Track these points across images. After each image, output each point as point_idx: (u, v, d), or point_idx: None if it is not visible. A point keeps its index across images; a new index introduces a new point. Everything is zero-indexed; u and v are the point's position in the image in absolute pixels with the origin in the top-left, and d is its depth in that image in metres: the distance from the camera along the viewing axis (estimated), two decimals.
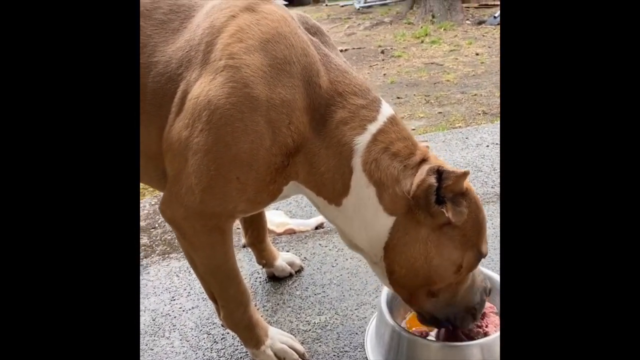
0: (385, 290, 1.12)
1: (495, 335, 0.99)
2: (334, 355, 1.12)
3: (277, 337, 1.10)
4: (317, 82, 0.90)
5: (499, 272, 1.10)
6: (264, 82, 0.87)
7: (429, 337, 1.06)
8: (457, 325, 0.98)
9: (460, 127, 2.70)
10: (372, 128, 0.91)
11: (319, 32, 0.99)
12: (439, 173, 0.85)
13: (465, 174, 0.85)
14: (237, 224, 1.53)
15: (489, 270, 1.14)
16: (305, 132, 0.90)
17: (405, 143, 0.92)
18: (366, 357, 1.11)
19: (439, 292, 0.94)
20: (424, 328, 1.09)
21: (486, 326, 1.03)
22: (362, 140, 0.90)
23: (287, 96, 0.88)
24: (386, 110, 0.93)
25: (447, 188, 0.86)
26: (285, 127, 0.89)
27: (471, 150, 2.20)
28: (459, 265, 0.90)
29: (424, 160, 0.91)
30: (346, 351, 1.13)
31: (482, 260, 0.95)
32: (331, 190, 0.93)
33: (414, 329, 1.09)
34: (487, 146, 2.22)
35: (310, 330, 1.20)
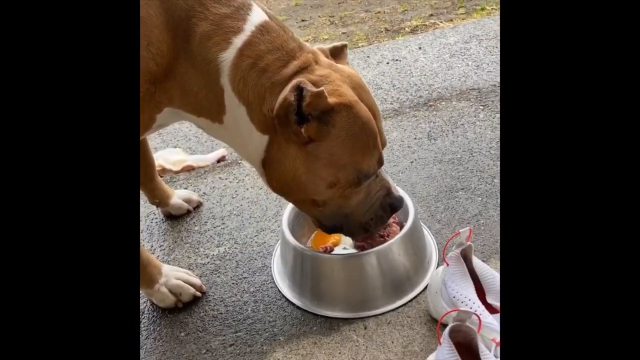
0: (287, 212, 1.11)
1: (387, 243, 1.02)
2: (233, 283, 1.12)
3: (171, 273, 1.07)
4: None
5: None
6: None
7: (332, 253, 1.09)
8: (345, 234, 1.00)
9: (363, 46, 2.66)
10: (238, 41, 0.83)
11: None
12: (300, 90, 0.80)
13: (319, 93, 0.80)
14: None
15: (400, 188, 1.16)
16: (169, 52, 0.82)
17: (277, 54, 0.85)
18: (264, 279, 1.12)
19: (324, 204, 0.93)
20: (327, 244, 1.11)
21: (387, 236, 1.07)
22: (227, 57, 0.83)
23: (140, 14, 0.79)
24: (256, 16, 0.85)
25: (308, 106, 0.81)
26: (145, 49, 0.80)
27: (372, 69, 2.19)
28: (331, 183, 0.89)
29: (300, 71, 0.85)
30: (245, 277, 1.13)
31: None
32: (209, 109, 0.88)
33: (319, 247, 1.11)
34: (387, 63, 2.22)
35: (208, 262, 1.18)
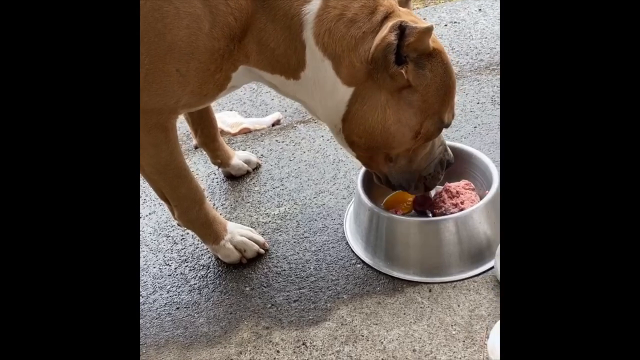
0: (361, 174, 1.11)
1: (468, 210, 1.00)
2: (294, 242, 1.14)
3: (236, 230, 1.10)
4: None
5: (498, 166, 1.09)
6: None
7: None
8: (409, 191, 1.00)
9: (418, 8, 2.57)
10: None
11: None
12: (401, 29, 0.78)
13: (428, 29, 0.78)
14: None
15: (466, 145, 1.17)
16: (248, 6, 0.81)
17: (363, 1, 0.82)
18: (325, 240, 1.13)
19: (397, 158, 0.93)
20: (399, 209, 1.11)
21: (462, 203, 1.05)
22: (311, 9, 0.81)
23: None
24: None
25: (410, 46, 0.79)
26: (224, 4, 0.79)
27: None
28: (417, 132, 0.88)
29: (387, 17, 0.83)
30: (306, 237, 1.14)
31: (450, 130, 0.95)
32: (286, 66, 0.87)
33: (391, 210, 1.11)
34: (445, 25, 2.13)
35: (270, 221, 1.20)
